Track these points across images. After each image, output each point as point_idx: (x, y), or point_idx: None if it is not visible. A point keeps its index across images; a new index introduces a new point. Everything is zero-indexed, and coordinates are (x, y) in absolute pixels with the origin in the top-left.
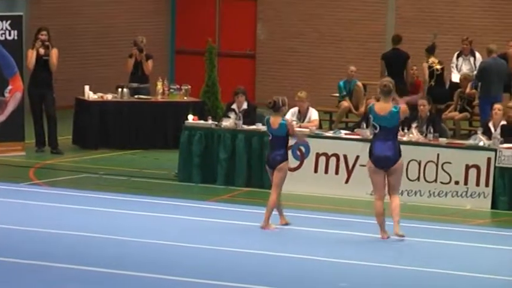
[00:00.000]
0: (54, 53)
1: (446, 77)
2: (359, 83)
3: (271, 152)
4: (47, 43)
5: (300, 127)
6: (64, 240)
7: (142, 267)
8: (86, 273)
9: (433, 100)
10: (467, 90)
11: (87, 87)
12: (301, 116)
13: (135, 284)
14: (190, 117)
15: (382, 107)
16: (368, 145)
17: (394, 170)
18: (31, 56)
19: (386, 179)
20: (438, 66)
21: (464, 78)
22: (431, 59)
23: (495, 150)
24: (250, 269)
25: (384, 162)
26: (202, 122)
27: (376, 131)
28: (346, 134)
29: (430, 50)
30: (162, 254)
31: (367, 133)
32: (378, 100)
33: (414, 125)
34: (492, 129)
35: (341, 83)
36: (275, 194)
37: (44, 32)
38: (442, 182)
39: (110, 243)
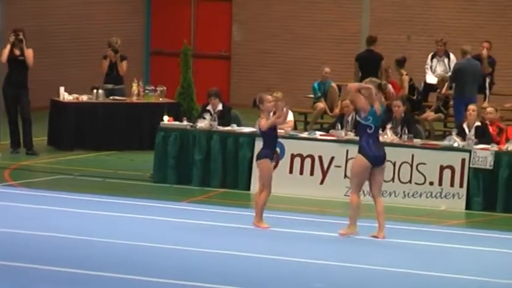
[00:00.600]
0: (29, 53)
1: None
2: (333, 85)
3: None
4: (20, 37)
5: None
6: (38, 241)
7: (116, 268)
8: (58, 274)
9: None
10: (444, 91)
11: (62, 89)
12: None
13: (108, 284)
14: (166, 118)
15: (377, 107)
16: (343, 146)
17: (384, 167)
18: (4, 51)
19: (372, 179)
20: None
21: (442, 80)
22: (403, 71)
23: (469, 151)
24: (224, 269)
25: (381, 160)
26: (177, 123)
27: (371, 131)
28: (321, 135)
29: (401, 63)
30: (136, 254)
31: (342, 134)
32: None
33: (389, 126)
34: (466, 130)
35: (315, 84)
36: (259, 191)
37: (20, 36)
38: (416, 183)
39: (84, 244)
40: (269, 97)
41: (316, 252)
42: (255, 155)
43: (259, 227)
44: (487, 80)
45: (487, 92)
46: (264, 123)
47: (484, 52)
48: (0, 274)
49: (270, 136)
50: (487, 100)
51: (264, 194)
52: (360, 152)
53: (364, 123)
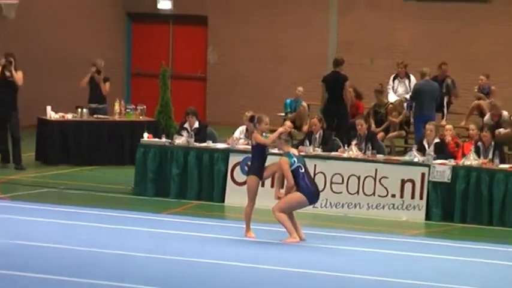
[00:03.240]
0: (19, 75)
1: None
2: (304, 104)
3: None
4: (10, 59)
5: (248, 144)
6: (24, 251)
7: (98, 276)
8: (44, 281)
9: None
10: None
11: (49, 108)
12: (249, 134)
13: None
14: (146, 135)
15: (293, 151)
16: (311, 161)
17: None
18: None
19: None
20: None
21: (398, 104)
22: (383, 99)
23: (429, 166)
24: (202, 276)
25: (316, 198)
26: (156, 139)
27: (303, 170)
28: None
29: (380, 92)
30: (118, 262)
31: (310, 150)
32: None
33: (354, 142)
34: (426, 146)
35: (288, 101)
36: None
37: (11, 59)
38: (379, 195)
39: (68, 252)
40: (267, 119)
41: (286, 260)
42: (229, 170)
43: (246, 236)
44: (445, 100)
45: (445, 110)
46: (259, 138)
47: (449, 81)
48: None
49: (261, 153)
50: (444, 118)
51: (248, 207)
52: (299, 190)
53: (295, 168)
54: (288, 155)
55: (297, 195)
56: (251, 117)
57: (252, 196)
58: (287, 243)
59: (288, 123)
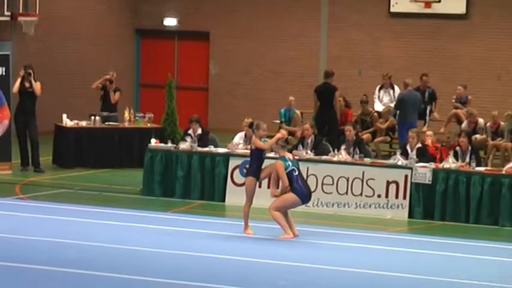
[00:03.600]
0: (38, 85)
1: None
2: (297, 112)
3: None
4: (29, 71)
5: (246, 149)
6: (45, 246)
7: (113, 269)
8: (64, 274)
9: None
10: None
11: (64, 115)
12: (247, 139)
13: (107, 283)
14: (153, 141)
15: (288, 155)
16: (304, 164)
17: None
18: (15, 84)
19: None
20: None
21: (386, 112)
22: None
23: (411, 169)
24: (206, 269)
25: (308, 199)
26: (163, 145)
27: (296, 173)
28: None
29: (365, 102)
30: (128, 257)
31: (303, 154)
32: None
33: (343, 147)
34: (409, 150)
35: (282, 110)
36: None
37: (29, 70)
38: (366, 196)
39: (85, 248)
40: (264, 126)
41: (283, 254)
42: (229, 172)
43: (245, 233)
44: (428, 109)
45: (427, 118)
46: (258, 142)
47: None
48: (11, 274)
49: (259, 156)
50: (426, 125)
51: (246, 205)
52: (292, 191)
53: (289, 171)
54: (283, 158)
55: (291, 196)
56: (250, 123)
57: (250, 196)
58: (281, 239)
59: (283, 131)
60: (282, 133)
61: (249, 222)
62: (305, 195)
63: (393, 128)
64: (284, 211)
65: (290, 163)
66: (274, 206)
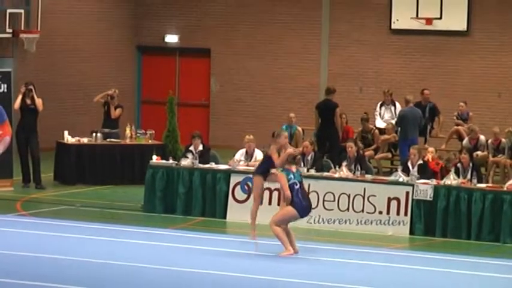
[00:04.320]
0: (39, 101)
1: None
2: (299, 128)
3: None
4: (30, 87)
5: (247, 165)
6: (45, 262)
7: (113, 286)
8: None
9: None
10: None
11: (66, 132)
12: (248, 156)
13: None
14: (154, 157)
15: (292, 168)
16: (305, 180)
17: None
18: (17, 100)
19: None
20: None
21: (390, 128)
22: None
23: (412, 185)
24: (207, 286)
25: (308, 211)
26: (164, 161)
27: (297, 187)
28: None
29: (366, 120)
30: (125, 274)
31: (304, 170)
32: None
33: (344, 163)
34: (410, 167)
35: (284, 126)
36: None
37: (30, 87)
38: (368, 212)
39: (85, 265)
40: (286, 134)
41: (280, 270)
42: (230, 189)
43: (251, 236)
44: (429, 126)
45: (427, 136)
46: (274, 153)
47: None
48: None
49: (269, 163)
50: (427, 142)
51: (254, 205)
52: (291, 204)
53: (291, 183)
54: (287, 172)
55: (290, 210)
56: (273, 133)
57: (257, 195)
58: (282, 256)
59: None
60: (295, 150)
61: (255, 224)
62: (305, 209)
63: (395, 145)
64: (285, 226)
65: (293, 176)
66: (274, 221)
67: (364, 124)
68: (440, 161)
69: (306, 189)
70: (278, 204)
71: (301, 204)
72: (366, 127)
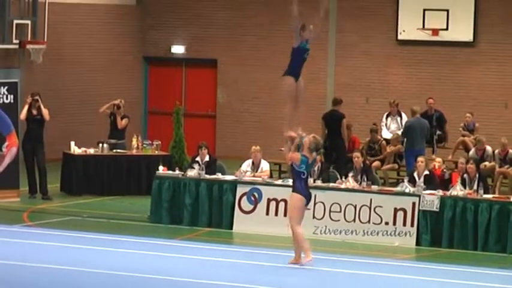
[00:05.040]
0: (46, 111)
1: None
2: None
3: None
4: (36, 97)
5: (254, 176)
6: (52, 273)
7: None
8: None
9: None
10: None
11: (72, 143)
12: (255, 167)
13: None
14: (161, 168)
15: (310, 157)
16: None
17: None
18: (23, 111)
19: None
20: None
21: (395, 139)
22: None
23: (419, 196)
24: None
25: (309, 199)
26: (170, 172)
27: (304, 177)
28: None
29: (375, 131)
30: (137, 285)
31: (311, 181)
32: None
33: (350, 174)
34: (416, 178)
35: None
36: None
37: (36, 97)
38: (374, 223)
39: (91, 275)
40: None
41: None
42: (236, 199)
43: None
44: (435, 135)
45: (434, 147)
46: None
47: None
48: None
49: (300, 53)
50: (434, 153)
51: (290, 107)
52: (294, 191)
53: (298, 170)
54: (303, 157)
55: (296, 197)
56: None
57: (292, 96)
58: (305, 262)
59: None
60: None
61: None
62: (305, 196)
63: (401, 155)
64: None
65: (304, 166)
66: (292, 218)
67: (373, 135)
68: (446, 170)
69: (312, 200)
70: (285, 216)
71: (304, 191)
72: (374, 138)
